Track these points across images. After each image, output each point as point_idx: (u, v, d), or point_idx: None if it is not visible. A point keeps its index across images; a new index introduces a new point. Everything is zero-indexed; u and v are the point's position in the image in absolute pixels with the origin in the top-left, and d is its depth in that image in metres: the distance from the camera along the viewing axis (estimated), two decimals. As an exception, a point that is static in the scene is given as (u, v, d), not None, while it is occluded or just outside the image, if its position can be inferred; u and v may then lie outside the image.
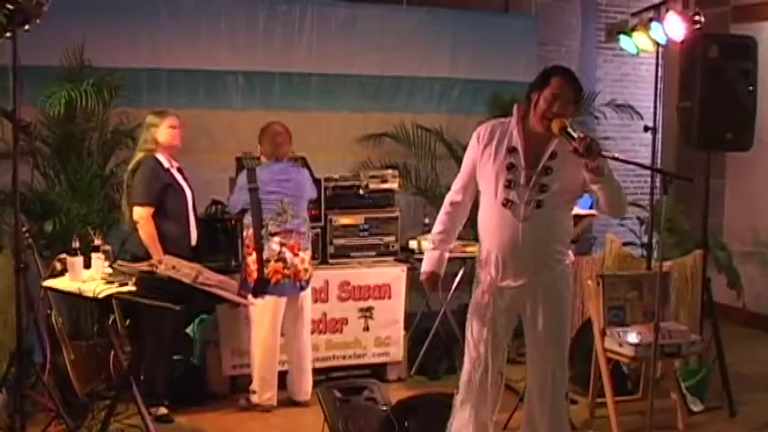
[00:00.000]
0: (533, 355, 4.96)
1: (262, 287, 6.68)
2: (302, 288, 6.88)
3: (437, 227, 5.16)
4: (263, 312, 6.77)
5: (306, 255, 6.85)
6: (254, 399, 6.86)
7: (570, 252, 5.05)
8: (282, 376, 7.03)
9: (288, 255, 6.71)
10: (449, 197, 5.12)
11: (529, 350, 4.99)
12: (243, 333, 7.08)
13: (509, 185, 4.76)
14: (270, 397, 6.86)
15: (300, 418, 6.71)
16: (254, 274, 6.67)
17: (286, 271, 6.71)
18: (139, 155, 6.60)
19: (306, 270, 6.84)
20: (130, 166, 6.61)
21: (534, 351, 4.94)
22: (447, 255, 5.17)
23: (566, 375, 4.97)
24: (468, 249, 7.27)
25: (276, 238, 6.70)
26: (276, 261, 6.69)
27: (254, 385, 6.87)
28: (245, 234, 6.82)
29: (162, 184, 6.53)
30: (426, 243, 7.54)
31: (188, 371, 7.17)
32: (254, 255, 6.68)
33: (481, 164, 4.89)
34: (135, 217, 6.43)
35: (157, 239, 6.40)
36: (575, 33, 10.35)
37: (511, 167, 4.77)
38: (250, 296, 6.65)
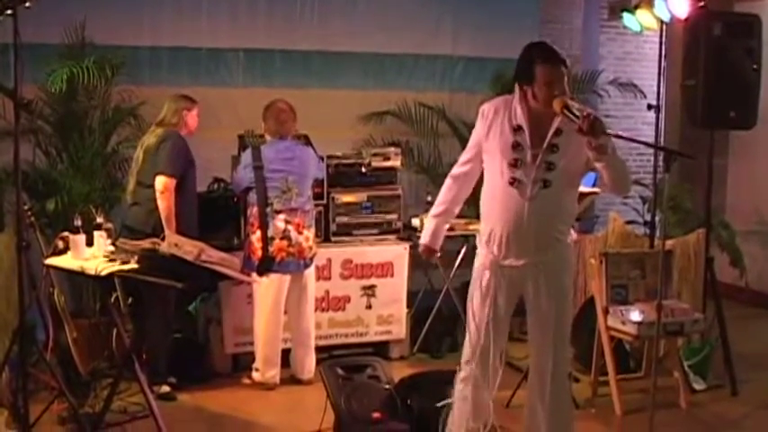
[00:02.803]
0: (536, 335, 4.95)
1: (267, 265, 6.68)
2: (306, 266, 6.89)
3: (437, 200, 5.19)
4: (268, 290, 6.78)
5: (310, 233, 6.85)
6: (257, 377, 6.87)
7: (572, 230, 5.04)
8: (285, 354, 7.03)
9: (293, 233, 6.72)
10: (451, 172, 5.13)
11: (531, 329, 4.98)
12: (245, 311, 7.08)
13: (515, 164, 4.73)
14: (273, 375, 6.87)
15: (303, 396, 6.72)
16: (259, 252, 6.67)
17: (291, 249, 6.71)
18: (160, 130, 6.59)
19: (310, 248, 6.84)
20: (154, 139, 6.55)
21: (537, 330, 4.93)
22: (445, 227, 5.21)
23: (568, 354, 4.97)
24: (471, 227, 7.26)
25: (281, 216, 6.69)
26: (281, 239, 6.69)
27: (257, 363, 6.88)
28: (249, 212, 6.81)
29: (187, 160, 6.58)
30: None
31: (190, 349, 7.17)
32: (259, 233, 6.68)
33: (486, 142, 4.86)
34: (159, 186, 6.39)
35: (174, 214, 6.41)
36: (577, 11, 10.30)
37: (516, 146, 4.74)
38: (254, 274, 6.66)
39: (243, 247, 6.90)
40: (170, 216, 6.38)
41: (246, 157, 6.84)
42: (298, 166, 6.83)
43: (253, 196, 6.75)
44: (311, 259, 6.91)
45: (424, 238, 5.21)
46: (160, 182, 6.41)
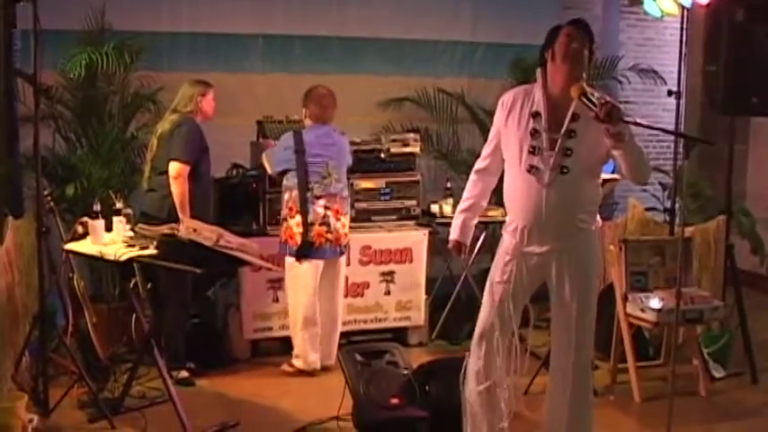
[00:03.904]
0: (559, 322, 4.93)
1: (306, 251, 6.69)
2: (341, 253, 6.93)
3: (464, 195, 5.18)
4: (306, 276, 6.76)
5: (346, 219, 6.88)
6: (300, 364, 6.83)
7: (598, 218, 5.02)
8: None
9: (331, 219, 6.72)
10: (475, 166, 5.12)
11: (554, 316, 4.95)
12: (264, 297, 7.12)
13: (533, 151, 4.71)
14: (314, 360, 6.84)
15: (322, 382, 6.73)
16: (298, 238, 6.67)
17: (329, 235, 6.72)
18: (174, 116, 6.60)
19: (345, 235, 6.87)
20: (168, 125, 6.57)
21: (560, 317, 4.91)
22: (473, 222, 5.18)
23: (591, 342, 4.95)
24: (490, 213, 7.24)
25: (321, 202, 6.68)
26: (320, 225, 6.68)
27: (298, 350, 6.86)
28: (286, 197, 6.77)
29: (201, 146, 6.58)
30: (447, 207, 7.58)
31: (209, 334, 7.19)
32: (299, 217, 6.66)
33: (506, 131, 4.85)
34: (172, 173, 6.40)
35: (188, 200, 6.42)
36: (598, -3, 10.28)
37: (534, 133, 4.72)
38: (288, 259, 6.72)
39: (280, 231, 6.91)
40: (184, 201, 6.39)
41: (287, 139, 6.79)
42: (336, 152, 6.84)
43: (292, 180, 6.72)
44: (346, 246, 6.94)
45: (453, 234, 5.17)
46: (174, 168, 6.42)
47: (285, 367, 6.95)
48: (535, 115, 4.74)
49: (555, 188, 4.69)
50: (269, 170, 6.96)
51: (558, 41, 4.67)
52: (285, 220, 6.79)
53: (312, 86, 6.93)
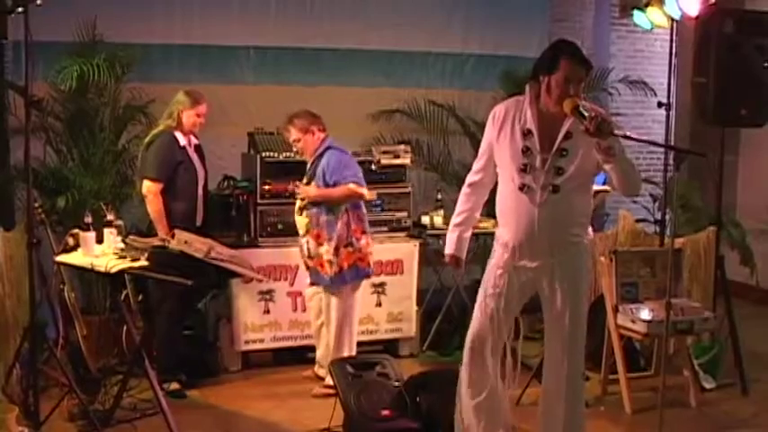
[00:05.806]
0: (551, 333, 4.94)
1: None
2: None
3: (456, 209, 5.19)
4: (357, 298, 6.78)
5: None
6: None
7: (590, 229, 5.03)
8: (302, 352, 7.16)
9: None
10: (467, 179, 5.13)
11: (547, 327, 4.97)
12: (256, 309, 7.12)
13: (525, 169, 4.72)
14: None
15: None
16: (369, 258, 6.69)
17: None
18: (159, 127, 6.61)
19: None
20: (147, 139, 6.61)
21: (552, 328, 4.93)
22: (468, 234, 5.19)
23: (582, 352, 4.95)
24: (481, 225, 7.24)
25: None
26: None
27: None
28: (344, 218, 6.56)
29: (175, 161, 6.55)
30: (438, 219, 7.59)
31: (200, 346, 7.19)
32: (366, 238, 6.66)
33: (497, 146, 4.87)
34: (143, 191, 6.47)
35: (164, 215, 6.41)
36: (588, 9, 10.27)
37: (526, 151, 4.73)
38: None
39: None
40: (158, 218, 6.43)
41: (347, 152, 6.75)
42: None
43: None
44: None
45: (449, 249, 5.18)
46: (145, 186, 6.48)
47: (309, 372, 6.98)
48: (527, 133, 4.75)
49: (547, 207, 4.71)
50: (366, 193, 6.75)
51: (557, 77, 4.64)
52: (349, 245, 6.58)
53: (298, 111, 6.71)
